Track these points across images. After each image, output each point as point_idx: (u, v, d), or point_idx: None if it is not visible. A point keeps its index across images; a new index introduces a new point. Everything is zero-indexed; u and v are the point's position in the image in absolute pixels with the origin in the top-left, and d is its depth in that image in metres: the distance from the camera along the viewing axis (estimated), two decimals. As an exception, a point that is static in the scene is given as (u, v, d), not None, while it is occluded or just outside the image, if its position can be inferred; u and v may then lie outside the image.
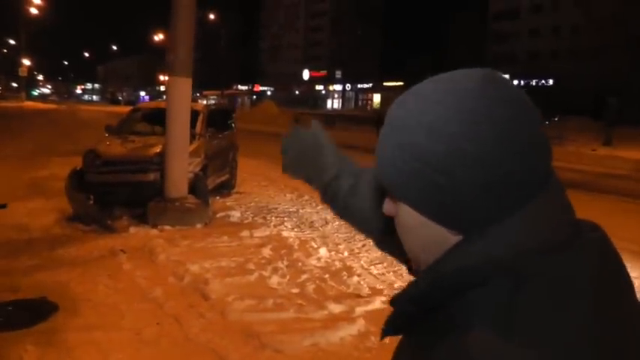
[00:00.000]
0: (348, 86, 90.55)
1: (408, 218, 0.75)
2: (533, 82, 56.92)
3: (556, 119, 37.16)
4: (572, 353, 0.61)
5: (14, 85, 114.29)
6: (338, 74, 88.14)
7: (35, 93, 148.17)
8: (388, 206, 0.80)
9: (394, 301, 0.76)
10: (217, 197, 9.65)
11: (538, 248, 0.66)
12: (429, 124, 0.69)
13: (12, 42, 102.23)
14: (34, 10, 71.31)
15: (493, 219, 0.67)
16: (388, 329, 0.78)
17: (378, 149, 0.77)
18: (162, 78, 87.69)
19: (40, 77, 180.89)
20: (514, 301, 0.64)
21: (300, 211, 8.87)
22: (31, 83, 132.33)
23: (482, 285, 0.66)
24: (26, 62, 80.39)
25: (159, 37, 76.91)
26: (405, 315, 0.75)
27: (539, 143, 0.69)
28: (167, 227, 7.20)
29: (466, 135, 0.66)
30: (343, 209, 1.16)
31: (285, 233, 7.23)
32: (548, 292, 0.64)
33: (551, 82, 55.98)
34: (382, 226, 1.01)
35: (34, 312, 4.52)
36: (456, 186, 0.67)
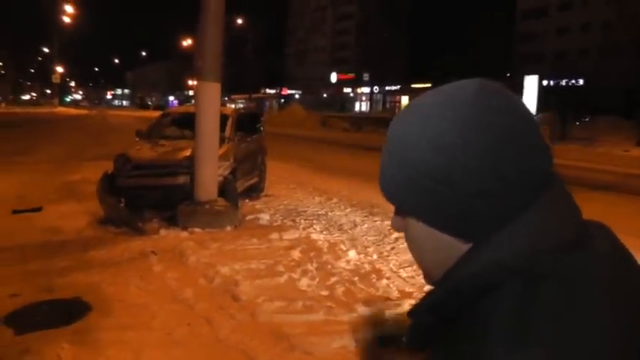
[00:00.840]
0: (376, 88, 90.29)
1: (416, 231, 0.77)
2: (563, 82, 56.00)
3: (587, 119, 36.54)
4: (588, 352, 0.61)
5: (48, 91, 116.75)
6: (365, 77, 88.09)
7: (67, 99, 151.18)
8: (396, 222, 0.82)
9: (411, 312, 0.77)
10: (246, 200, 9.71)
11: (547, 249, 0.67)
12: (426, 138, 0.71)
13: (46, 50, 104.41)
14: (66, 19, 72.69)
15: (499, 224, 0.69)
16: (410, 341, 0.79)
17: (381, 165, 0.79)
18: (190, 83, 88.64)
19: (72, 84, 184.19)
20: (527, 305, 0.64)
21: (329, 213, 8.88)
22: (63, 90, 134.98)
23: (494, 290, 0.67)
24: (59, 69, 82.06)
25: (187, 42, 77.74)
26: (424, 327, 0.76)
27: (536, 148, 0.71)
28: (197, 230, 7.27)
29: (461, 145, 0.68)
30: None
31: (314, 236, 7.24)
32: (560, 292, 0.65)
33: (581, 81, 55.01)
34: None
35: (68, 312, 4.61)
36: (458, 196, 0.69)
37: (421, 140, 0.71)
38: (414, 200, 0.73)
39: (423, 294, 0.90)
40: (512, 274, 0.67)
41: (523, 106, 0.73)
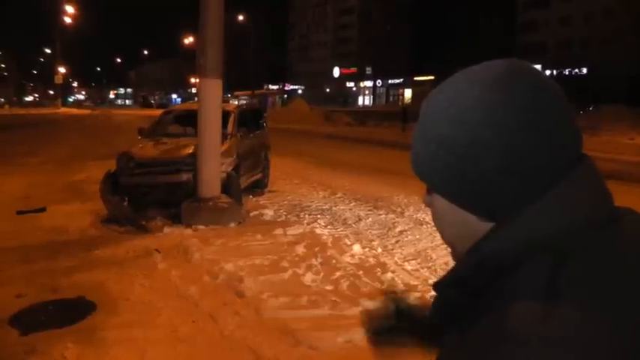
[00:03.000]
0: (379, 82, 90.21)
1: (441, 207, 0.78)
2: (566, 72, 55.80)
3: (590, 108, 36.41)
4: (615, 325, 0.60)
5: (51, 92, 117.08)
6: (368, 70, 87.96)
7: (70, 99, 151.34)
8: (426, 198, 0.82)
9: (436, 285, 0.77)
10: (250, 196, 9.71)
11: (576, 226, 0.67)
12: (453, 115, 0.72)
13: (48, 51, 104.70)
14: (68, 20, 72.84)
15: (524, 201, 0.69)
16: (434, 315, 0.79)
17: (412, 143, 0.80)
18: (193, 80, 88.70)
19: (75, 84, 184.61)
20: (558, 274, 0.64)
21: (333, 208, 8.87)
22: (66, 90, 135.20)
23: (521, 266, 0.66)
24: (62, 70, 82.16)
25: (189, 40, 77.79)
26: (449, 301, 0.76)
27: (563, 127, 0.70)
28: (201, 227, 7.27)
29: (487, 123, 0.69)
30: None
31: (318, 231, 7.23)
32: (592, 265, 0.64)
33: (584, 70, 54.80)
34: None
35: (73, 311, 4.62)
36: (482, 173, 0.69)
37: (446, 116, 0.73)
38: (437, 175, 0.75)
39: (429, 287, 0.88)
40: (540, 250, 0.66)
41: (553, 85, 0.72)
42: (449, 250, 0.83)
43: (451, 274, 0.75)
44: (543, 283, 0.63)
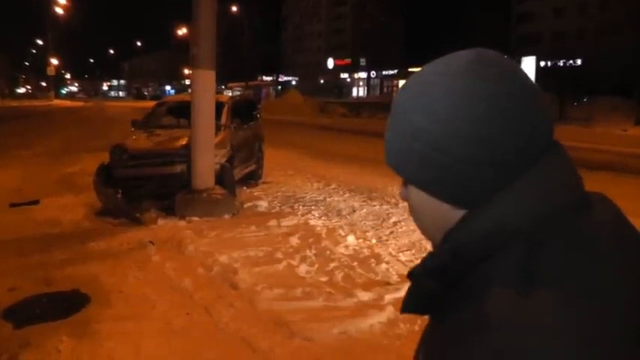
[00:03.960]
0: (373, 73, 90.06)
1: (417, 199, 0.78)
2: (561, 63, 55.83)
3: (585, 100, 36.49)
4: (595, 296, 0.61)
5: (43, 84, 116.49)
6: (362, 62, 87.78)
7: (63, 91, 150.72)
8: (403, 191, 0.83)
9: (411, 273, 0.77)
10: (244, 188, 9.70)
11: (550, 211, 0.68)
12: (425, 106, 0.72)
13: (40, 42, 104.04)
14: (59, 11, 72.34)
15: (498, 189, 0.69)
16: (408, 305, 0.79)
17: (385, 134, 0.81)
18: (186, 72, 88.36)
19: (68, 76, 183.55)
20: (532, 260, 0.64)
21: (328, 199, 8.86)
22: (59, 82, 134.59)
23: (496, 253, 0.67)
24: (54, 61, 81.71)
25: (182, 31, 77.43)
26: (425, 291, 0.75)
27: (533, 115, 0.71)
28: (195, 218, 7.26)
29: (458, 113, 0.69)
30: None
31: (312, 222, 7.23)
32: (564, 250, 0.65)
33: (579, 61, 54.85)
34: None
35: (67, 304, 4.61)
36: (456, 163, 0.70)
37: (417, 107, 0.73)
38: (411, 167, 0.75)
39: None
40: (514, 236, 0.67)
41: (521, 72, 0.73)
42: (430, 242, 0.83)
43: (426, 262, 0.74)
44: (517, 270, 0.64)
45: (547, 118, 0.73)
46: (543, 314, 0.60)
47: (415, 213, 0.81)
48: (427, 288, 0.75)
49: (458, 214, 0.73)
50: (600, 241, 0.67)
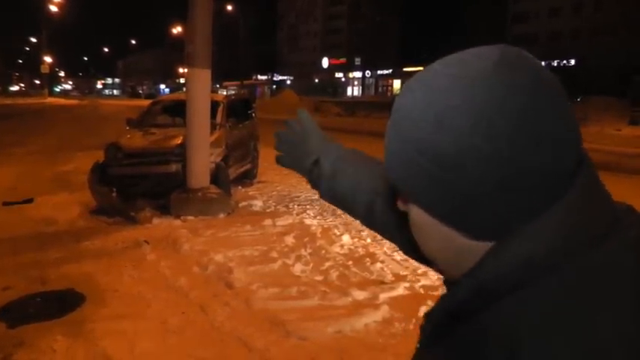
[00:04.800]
0: (368, 73, 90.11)
1: (421, 220, 0.68)
2: (555, 63, 56.01)
3: (579, 99, 36.64)
4: (626, 349, 0.55)
5: (37, 82, 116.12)
6: (357, 61, 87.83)
7: (57, 89, 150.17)
8: (400, 205, 0.73)
9: (430, 317, 0.71)
10: (239, 187, 9.69)
11: (582, 243, 0.59)
12: (435, 117, 0.61)
13: (34, 40, 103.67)
14: (54, 8, 72.09)
15: (524, 218, 0.60)
16: (424, 343, 0.73)
17: (385, 141, 0.70)
18: (181, 70, 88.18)
19: (62, 74, 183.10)
20: (561, 303, 0.57)
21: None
22: (53, 80, 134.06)
23: (522, 288, 0.59)
24: (48, 59, 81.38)
25: (177, 30, 77.22)
26: (443, 328, 0.68)
27: (566, 127, 0.61)
28: (190, 217, 7.25)
29: (477, 129, 0.59)
30: (328, 192, 1.18)
31: (307, 221, 7.23)
32: (593, 290, 0.58)
33: (573, 62, 55.04)
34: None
35: (62, 303, 4.60)
36: (468, 185, 0.60)
37: (427, 116, 0.62)
38: (417, 185, 0.64)
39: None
40: (544, 270, 0.59)
41: (549, 76, 0.62)
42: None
43: (447, 302, 0.67)
44: (548, 311, 0.57)
45: (576, 129, 0.62)
46: (572, 357, 0.55)
47: (418, 233, 0.71)
48: (442, 324, 0.68)
49: (464, 241, 0.65)
50: (630, 273, 0.59)
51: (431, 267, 0.84)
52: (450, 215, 0.64)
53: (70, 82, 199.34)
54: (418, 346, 0.73)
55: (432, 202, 0.64)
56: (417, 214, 0.68)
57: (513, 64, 0.61)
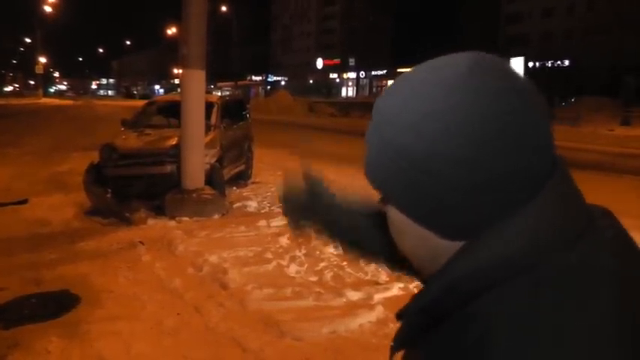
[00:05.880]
0: (362, 73, 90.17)
1: (398, 220, 0.70)
2: (549, 64, 56.18)
3: (572, 100, 36.78)
4: (602, 349, 0.56)
5: (31, 82, 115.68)
6: (351, 62, 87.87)
7: (52, 90, 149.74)
8: (380, 204, 0.76)
9: (403, 313, 0.71)
10: (234, 188, 9.69)
11: (555, 243, 0.61)
12: (408, 119, 0.64)
13: (28, 40, 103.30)
14: (48, 9, 71.88)
15: (495, 218, 0.62)
16: (397, 345, 0.73)
17: (366, 142, 0.72)
18: (176, 71, 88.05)
19: (56, 74, 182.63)
20: (534, 304, 0.58)
21: (317, 199, 8.86)
22: (47, 80, 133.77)
23: (497, 286, 0.60)
24: (42, 60, 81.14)
25: (172, 30, 77.16)
26: (417, 327, 0.69)
27: (538, 129, 0.63)
28: (185, 218, 7.26)
29: (451, 132, 0.61)
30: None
31: (302, 222, 7.22)
32: (569, 288, 0.59)
33: (567, 62, 55.22)
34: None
35: (57, 304, 4.59)
36: (443, 188, 0.62)
37: (404, 121, 0.64)
38: (395, 188, 0.67)
39: (412, 278, 0.88)
40: (517, 270, 0.60)
41: (523, 81, 0.65)
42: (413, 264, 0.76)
43: (419, 300, 0.67)
44: (521, 311, 0.58)
45: (550, 133, 0.64)
46: (546, 355, 0.55)
47: (396, 233, 0.73)
48: (419, 324, 0.68)
49: (439, 241, 0.67)
50: (604, 274, 0.60)
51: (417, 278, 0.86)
52: (425, 216, 0.66)
53: (65, 83, 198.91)
54: (392, 344, 0.74)
55: (408, 203, 0.66)
56: (394, 215, 0.71)
57: (486, 70, 0.64)
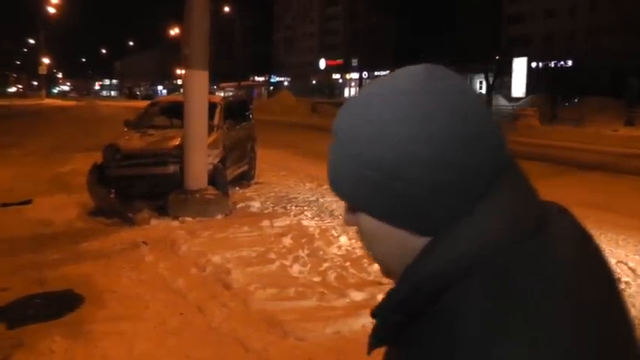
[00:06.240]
0: (365, 74, 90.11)
1: (369, 227, 0.73)
2: (552, 64, 56.06)
3: (576, 100, 36.73)
4: (563, 337, 0.59)
5: (35, 83, 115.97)
6: (354, 62, 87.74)
7: (55, 90, 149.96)
8: (348, 219, 0.77)
9: (376, 312, 0.73)
10: (237, 188, 9.70)
11: (511, 238, 0.65)
12: (375, 131, 0.67)
13: (31, 41, 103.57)
14: (51, 10, 72.03)
15: (458, 214, 0.66)
16: (374, 342, 0.76)
17: (328, 161, 0.75)
18: (178, 72, 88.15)
19: (60, 75, 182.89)
20: (495, 297, 0.61)
21: (320, 200, 8.88)
22: (50, 81, 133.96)
23: (459, 283, 0.64)
24: (45, 61, 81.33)
25: (174, 31, 77.20)
26: (390, 324, 0.73)
27: (488, 132, 0.68)
28: (188, 219, 7.27)
29: (413, 137, 0.65)
30: None
31: (305, 222, 7.25)
32: (528, 281, 0.62)
33: (570, 62, 55.09)
34: None
35: (60, 304, 4.61)
36: (411, 189, 0.66)
37: (366, 132, 0.68)
38: (364, 195, 0.70)
39: None
40: (476, 265, 0.64)
41: (472, 90, 0.71)
42: (381, 270, 0.80)
43: (391, 299, 0.71)
44: (483, 306, 0.61)
45: (501, 135, 0.70)
46: (513, 344, 0.58)
47: (367, 241, 0.76)
48: (393, 321, 0.72)
49: (416, 240, 0.70)
50: (560, 266, 0.64)
51: None
52: (399, 218, 0.69)
53: (68, 84, 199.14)
54: (369, 340, 0.76)
55: (382, 209, 0.70)
56: (365, 222, 0.73)
57: (439, 78, 0.69)
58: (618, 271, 5.51)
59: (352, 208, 0.75)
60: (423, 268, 0.67)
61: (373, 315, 0.74)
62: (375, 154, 0.67)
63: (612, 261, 5.81)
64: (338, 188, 0.74)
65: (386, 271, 0.78)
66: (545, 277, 0.63)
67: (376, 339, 0.76)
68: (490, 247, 0.64)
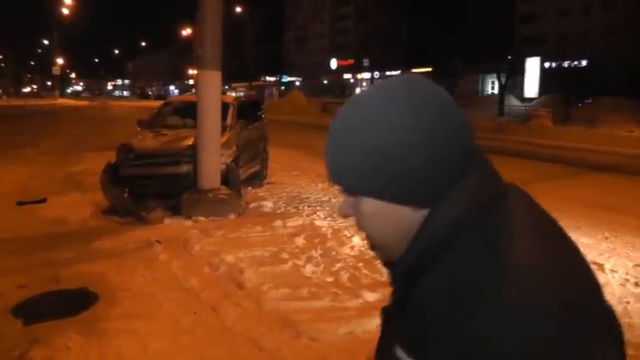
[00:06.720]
0: (377, 74, 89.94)
1: (371, 210, 0.86)
2: (565, 64, 55.64)
3: (589, 101, 36.41)
4: (540, 248, 0.75)
5: (49, 83, 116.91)
6: (365, 62, 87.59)
7: (68, 90, 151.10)
8: (345, 209, 0.90)
9: (392, 280, 0.89)
10: (249, 188, 9.72)
11: (490, 200, 0.82)
12: (372, 123, 0.82)
13: (45, 42, 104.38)
14: (65, 11, 72.57)
15: (447, 186, 0.81)
16: (391, 309, 0.90)
17: (329, 155, 0.89)
18: (190, 72, 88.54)
19: (73, 75, 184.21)
20: (484, 233, 0.77)
21: (333, 200, 8.87)
22: (64, 81, 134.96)
23: (455, 240, 0.78)
24: (59, 61, 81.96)
25: (186, 31, 77.54)
26: (401, 293, 0.86)
27: (462, 125, 0.84)
28: (201, 218, 7.29)
29: (408, 126, 0.80)
30: None
31: (318, 222, 7.25)
32: (509, 226, 0.78)
33: (584, 62, 54.66)
34: None
35: (75, 302, 4.65)
36: (410, 170, 0.80)
37: (368, 125, 0.82)
38: (368, 180, 0.83)
39: None
40: (467, 221, 0.79)
41: (445, 92, 0.85)
42: (377, 255, 0.93)
43: (401, 266, 0.84)
44: (485, 251, 0.75)
45: (471, 129, 0.85)
46: (523, 282, 0.70)
47: (369, 225, 0.88)
48: (402, 290, 0.85)
49: (415, 214, 0.83)
50: (524, 215, 0.81)
51: None
52: (399, 195, 0.82)
53: (81, 84, 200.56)
54: (386, 307, 0.91)
55: (385, 189, 0.82)
56: (367, 206, 0.86)
57: (418, 81, 0.86)
58: (636, 275, 5.47)
59: (351, 196, 0.88)
60: (427, 233, 0.81)
61: (392, 284, 0.89)
62: (378, 142, 0.81)
63: (629, 264, 5.77)
64: (340, 179, 0.88)
65: (372, 246, 0.92)
66: (521, 225, 0.79)
67: (393, 307, 0.89)
68: (474, 208, 0.80)
